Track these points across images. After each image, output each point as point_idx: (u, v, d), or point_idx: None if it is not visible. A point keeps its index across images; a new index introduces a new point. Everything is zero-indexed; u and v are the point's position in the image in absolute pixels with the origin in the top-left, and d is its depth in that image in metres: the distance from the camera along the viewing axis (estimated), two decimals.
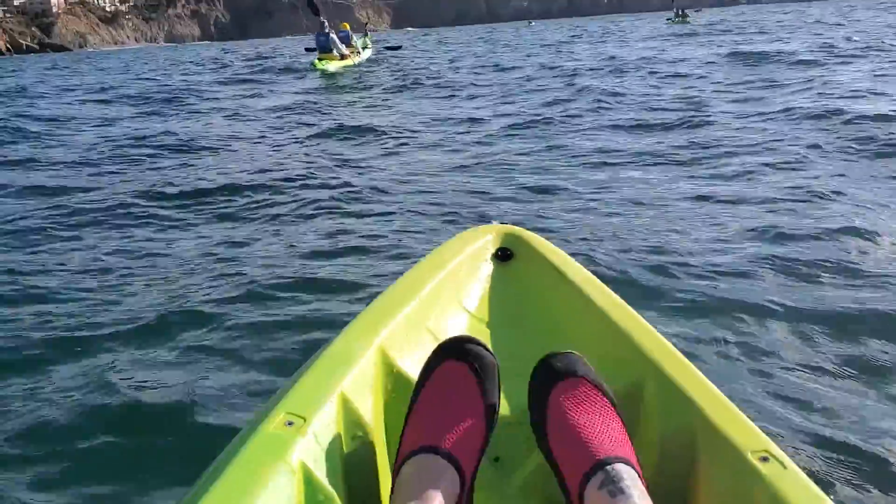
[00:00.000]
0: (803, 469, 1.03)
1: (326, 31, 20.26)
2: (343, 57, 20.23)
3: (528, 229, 2.02)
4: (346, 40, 21.27)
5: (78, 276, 3.84)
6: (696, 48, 19.59)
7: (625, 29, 46.30)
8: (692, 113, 8.20)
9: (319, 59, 19.47)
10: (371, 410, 1.25)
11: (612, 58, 17.77)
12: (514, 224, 2.08)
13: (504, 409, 1.36)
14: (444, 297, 1.68)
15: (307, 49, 22.45)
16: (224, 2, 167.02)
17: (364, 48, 23.05)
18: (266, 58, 31.87)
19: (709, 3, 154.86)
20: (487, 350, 1.18)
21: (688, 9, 51.18)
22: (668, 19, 50.80)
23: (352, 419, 1.18)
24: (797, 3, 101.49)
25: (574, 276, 1.73)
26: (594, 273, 1.75)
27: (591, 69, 15.02)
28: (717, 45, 19.84)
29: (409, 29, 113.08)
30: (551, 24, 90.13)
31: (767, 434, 1.10)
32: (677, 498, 1.15)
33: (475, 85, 13.61)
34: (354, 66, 20.34)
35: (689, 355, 2.78)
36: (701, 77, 12.16)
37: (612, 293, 1.66)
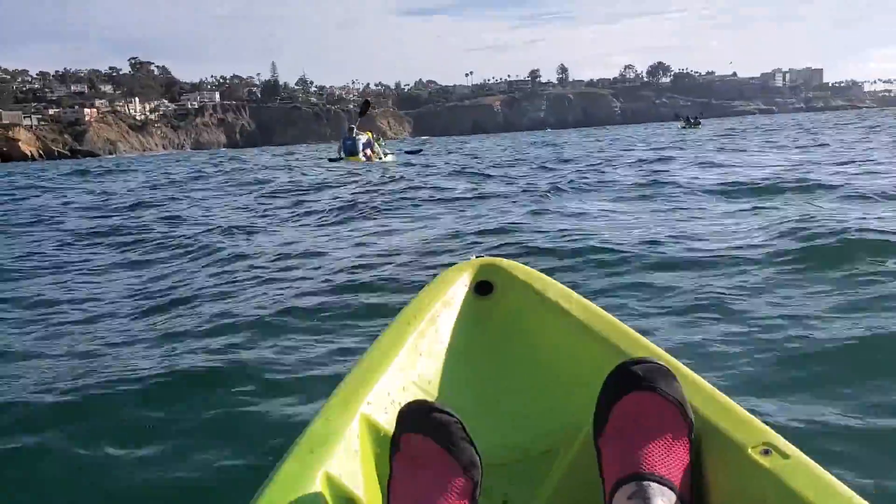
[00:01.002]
0: (810, 454, 1.03)
1: (354, 136, 21.67)
2: (368, 159, 21.45)
3: (507, 258, 2.01)
4: (370, 146, 22.42)
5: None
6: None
7: (644, 134, 47.24)
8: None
9: (347, 159, 20.87)
10: (362, 485, 1.22)
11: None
12: (493, 256, 2.07)
13: (503, 449, 1.40)
14: (427, 345, 1.66)
15: (331, 160, 23.33)
16: (250, 111, 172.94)
17: (386, 154, 24.20)
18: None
19: (711, 112, 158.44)
20: (445, 412, 1.16)
21: (695, 118, 56.77)
22: (681, 126, 55.96)
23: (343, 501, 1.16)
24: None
25: (557, 297, 1.72)
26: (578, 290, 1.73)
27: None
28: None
29: (425, 138, 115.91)
30: (574, 133, 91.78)
31: (770, 425, 1.11)
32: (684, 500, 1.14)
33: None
34: (377, 163, 21.70)
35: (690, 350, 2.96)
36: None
37: (597, 308, 1.65)
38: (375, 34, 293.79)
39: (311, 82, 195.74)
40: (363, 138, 22.71)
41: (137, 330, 4.10)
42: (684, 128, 53.75)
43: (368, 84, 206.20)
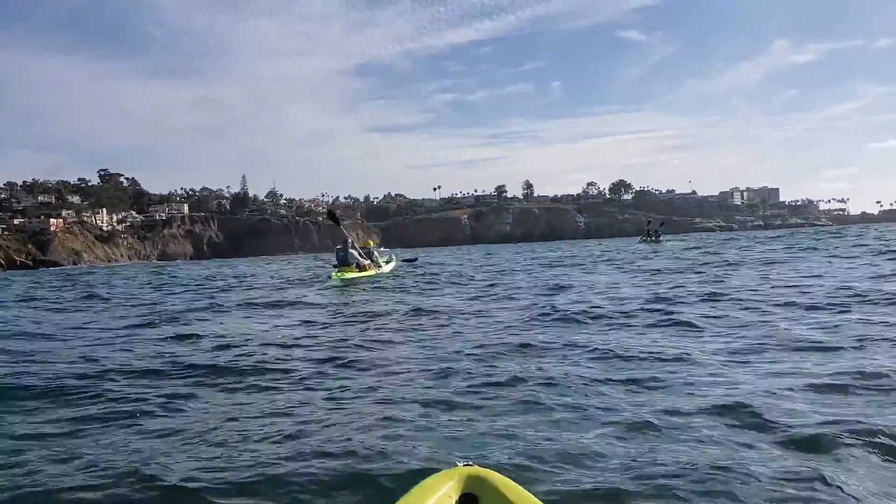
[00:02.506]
0: None
1: (348, 247, 21.41)
2: (361, 269, 21.04)
3: (494, 468, 1.97)
4: (369, 255, 22.09)
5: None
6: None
7: (612, 248, 48.18)
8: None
9: (338, 272, 20.19)
10: None
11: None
12: (480, 464, 2.01)
13: None
14: None
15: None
16: (218, 222, 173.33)
17: (387, 262, 24.02)
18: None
19: (673, 229, 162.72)
20: None
21: (657, 231, 55.65)
22: (641, 239, 56.34)
23: None
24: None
25: None
26: None
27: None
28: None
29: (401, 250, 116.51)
30: (541, 245, 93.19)
31: None
32: None
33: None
34: (373, 276, 21.10)
35: None
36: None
37: None
38: (346, 149, 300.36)
39: (281, 195, 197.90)
40: (364, 249, 22.51)
41: None
42: (643, 240, 53.68)
43: (338, 197, 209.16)
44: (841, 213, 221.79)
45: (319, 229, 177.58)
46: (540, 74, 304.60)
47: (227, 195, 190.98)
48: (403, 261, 27.70)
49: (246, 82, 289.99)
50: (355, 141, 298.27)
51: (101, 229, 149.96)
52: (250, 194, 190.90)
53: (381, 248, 26.43)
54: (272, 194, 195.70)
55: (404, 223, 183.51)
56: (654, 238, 52.74)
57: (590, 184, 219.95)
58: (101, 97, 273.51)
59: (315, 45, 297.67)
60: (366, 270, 21.17)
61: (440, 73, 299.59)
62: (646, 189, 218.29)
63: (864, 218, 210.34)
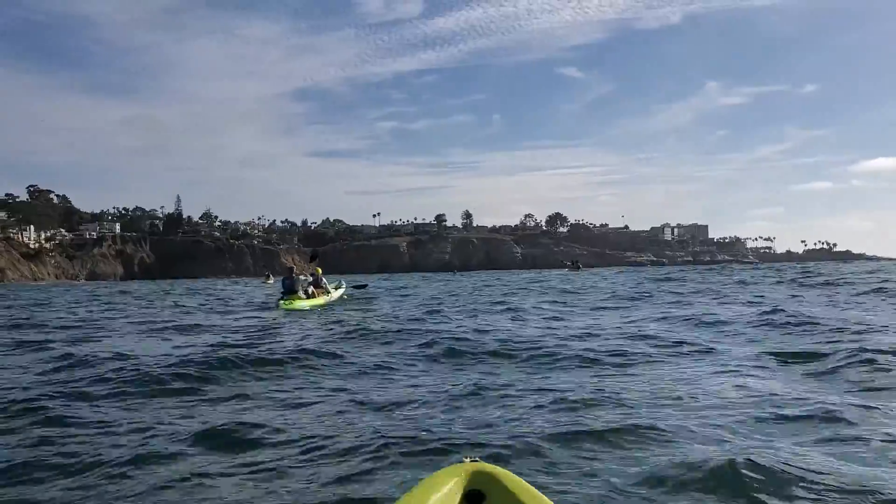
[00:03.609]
0: None
1: (294, 274, 21.30)
2: (309, 296, 20.89)
3: (500, 465, 1.96)
4: (317, 282, 22.07)
5: None
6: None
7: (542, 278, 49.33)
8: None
9: (284, 300, 19.96)
10: None
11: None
12: (485, 459, 2.03)
13: None
14: None
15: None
16: (150, 243, 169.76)
17: (336, 288, 23.83)
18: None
19: (606, 262, 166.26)
20: None
21: (580, 263, 73.30)
22: (568, 269, 68.88)
23: None
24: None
25: None
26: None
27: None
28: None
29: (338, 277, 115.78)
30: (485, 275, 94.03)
31: None
32: None
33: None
34: (321, 305, 20.79)
35: None
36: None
37: None
38: (284, 173, 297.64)
39: (216, 217, 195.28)
40: (312, 275, 22.22)
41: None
42: (569, 270, 65.67)
43: (275, 221, 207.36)
44: (767, 251, 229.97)
45: (254, 253, 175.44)
46: (481, 106, 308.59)
47: (161, 215, 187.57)
48: (353, 286, 27.38)
49: (184, 102, 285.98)
50: (294, 165, 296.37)
51: (27, 247, 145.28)
52: (184, 215, 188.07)
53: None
54: (207, 216, 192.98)
55: (342, 249, 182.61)
56: (575, 268, 66.82)
57: (527, 216, 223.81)
58: (34, 112, 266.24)
59: (256, 68, 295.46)
60: (314, 298, 21.04)
61: (383, 101, 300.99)
62: (581, 222, 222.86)
63: (790, 256, 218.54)
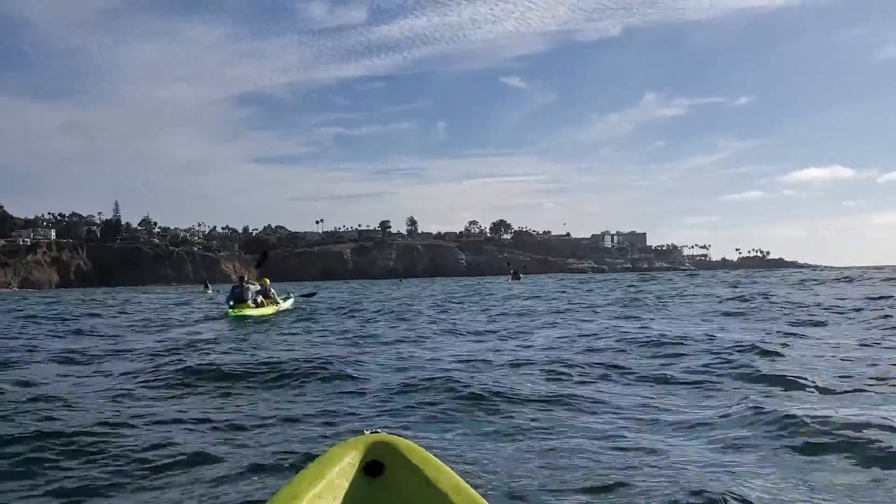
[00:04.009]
0: None
1: (244, 283, 21.13)
2: (258, 305, 20.82)
3: (401, 435, 1.96)
4: (266, 293, 22.03)
5: None
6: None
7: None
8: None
9: (233, 309, 19.94)
10: None
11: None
12: (388, 431, 2.03)
13: None
14: None
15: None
16: (87, 250, 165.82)
17: (285, 299, 23.76)
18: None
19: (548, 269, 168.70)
20: None
21: (520, 272, 72.95)
22: (510, 278, 68.27)
23: None
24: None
25: (447, 488, 1.66)
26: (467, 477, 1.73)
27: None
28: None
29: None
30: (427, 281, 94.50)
31: None
32: None
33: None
34: (270, 314, 20.69)
35: None
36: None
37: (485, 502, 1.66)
38: (226, 179, 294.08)
39: (155, 223, 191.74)
40: (254, 286, 21.91)
41: None
42: (513, 279, 65.98)
43: (215, 227, 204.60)
44: (703, 258, 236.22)
45: (194, 260, 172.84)
46: (426, 114, 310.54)
47: (99, 222, 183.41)
48: (302, 296, 27.18)
49: (123, 106, 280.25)
50: (236, 171, 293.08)
51: None
52: (123, 222, 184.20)
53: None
54: (146, 222, 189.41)
55: (285, 256, 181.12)
56: (516, 276, 66.55)
57: (471, 223, 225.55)
58: None
59: (197, 73, 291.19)
60: (263, 307, 20.93)
61: (326, 107, 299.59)
62: (524, 230, 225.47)
63: (725, 264, 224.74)
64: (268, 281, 22.74)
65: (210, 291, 59.60)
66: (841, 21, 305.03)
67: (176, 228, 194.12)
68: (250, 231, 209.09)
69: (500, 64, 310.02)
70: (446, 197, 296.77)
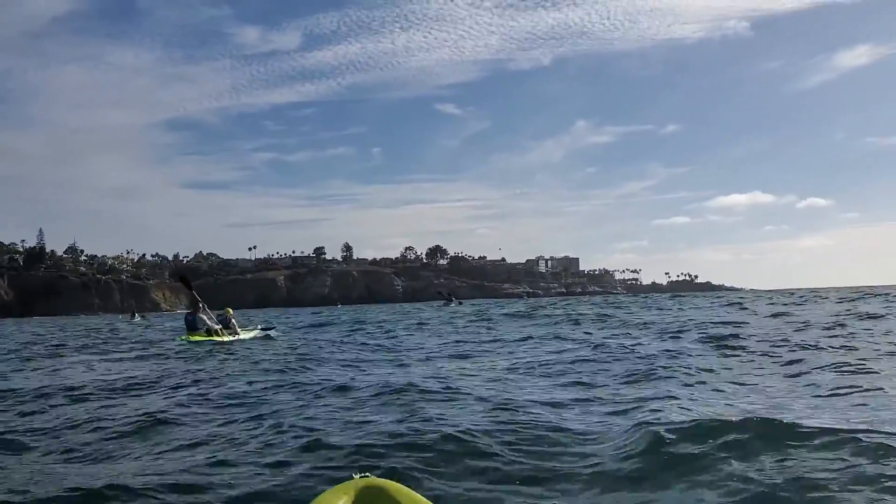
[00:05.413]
0: None
1: (197, 311, 20.71)
2: (210, 333, 20.34)
3: (393, 479, 2.01)
4: (226, 322, 21.52)
5: None
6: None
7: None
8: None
9: (188, 335, 19.74)
10: None
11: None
12: (379, 475, 2.07)
13: None
14: None
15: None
16: (9, 279, 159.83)
17: (250, 331, 23.25)
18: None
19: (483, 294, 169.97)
20: None
21: (452, 296, 75.88)
22: (443, 303, 70.35)
23: None
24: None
25: None
26: None
27: None
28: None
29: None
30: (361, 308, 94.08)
31: None
32: None
33: None
34: (227, 342, 20.04)
35: None
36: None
37: None
38: (156, 205, 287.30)
39: (82, 251, 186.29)
40: (220, 315, 21.63)
41: None
42: (444, 304, 68.00)
43: (144, 255, 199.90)
44: (634, 282, 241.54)
45: (122, 288, 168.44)
46: (362, 139, 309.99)
47: (21, 249, 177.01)
48: (262, 329, 26.21)
49: (47, 131, 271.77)
50: (167, 197, 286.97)
51: None
52: (47, 249, 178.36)
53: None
54: (72, 250, 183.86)
55: (217, 284, 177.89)
56: (449, 302, 68.54)
57: (408, 248, 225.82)
58: None
59: (126, 97, 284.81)
60: (218, 336, 20.47)
61: (259, 132, 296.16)
62: (460, 255, 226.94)
63: (655, 287, 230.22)
64: (230, 311, 22.23)
65: (137, 319, 58.47)
66: (757, 55, 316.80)
67: (104, 256, 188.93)
68: (181, 258, 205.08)
69: (435, 91, 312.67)
70: (382, 223, 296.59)
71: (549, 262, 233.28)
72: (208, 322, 20.80)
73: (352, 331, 25.80)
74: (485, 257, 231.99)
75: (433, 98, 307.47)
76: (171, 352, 17.22)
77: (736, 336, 14.73)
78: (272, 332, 24.06)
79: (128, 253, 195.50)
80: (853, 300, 37.24)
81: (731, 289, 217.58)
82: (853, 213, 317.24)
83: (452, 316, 37.14)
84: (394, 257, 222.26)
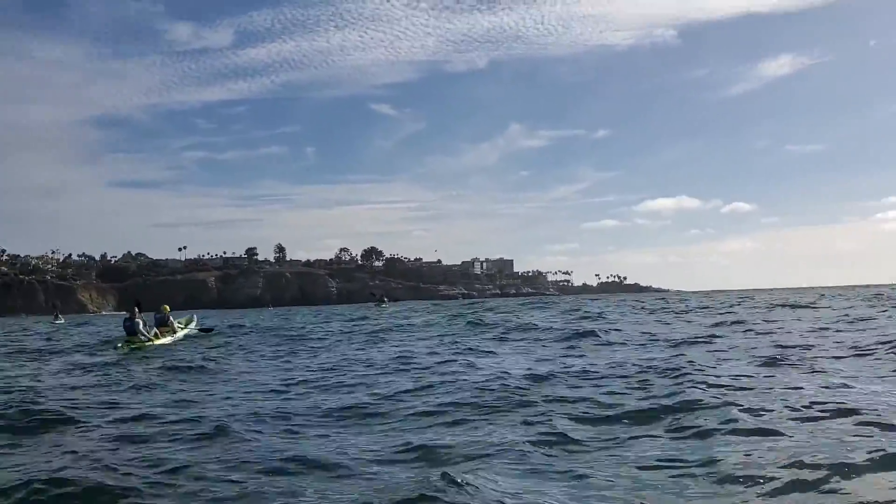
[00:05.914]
0: None
1: (135, 315, 20.48)
2: (148, 338, 20.37)
3: None
4: (164, 321, 21.48)
5: None
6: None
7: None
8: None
9: (126, 342, 19.58)
10: None
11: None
12: None
13: None
14: None
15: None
16: None
17: (185, 327, 23.17)
18: None
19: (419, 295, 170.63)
20: None
21: (385, 298, 77.02)
22: (376, 304, 71.07)
23: None
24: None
25: None
26: None
27: None
28: None
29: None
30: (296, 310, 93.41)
31: None
32: None
33: None
34: (166, 344, 20.43)
35: None
36: None
37: None
38: (82, 203, 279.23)
39: (3, 250, 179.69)
40: (158, 315, 21.70)
41: None
42: (377, 305, 69.07)
43: (70, 255, 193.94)
44: (566, 283, 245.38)
45: (47, 289, 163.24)
46: (295, 139, 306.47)
47: None
48: (200, 329, 26.06)
49: None
50: (94, 195, 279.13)
51: None
52: None
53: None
54: None
55: (145, 284, 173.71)
56: (381, 303, 69.52)
57: (342, 249, 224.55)
58: None
59: (51, 93, 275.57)
60: (158, 338, 20.60)
61: (189, 130, 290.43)
62: (396, 256, 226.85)
63: (586, 289, 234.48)
64: (167, 308, 22.42)
65: (61, 320, 57.21)
66: (684, 63, 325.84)
67: (27, 256, 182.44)
68: (109, 258, 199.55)
69: (370, 91, 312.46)
70: (316, 224, 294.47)
71: (485, 264, 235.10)
72: (143, 327, 20.60)
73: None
74: (420, 259, 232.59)
75: (368, 98, 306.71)
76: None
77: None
78: (211, 332, 24.38)
79: (53, 253, 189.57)
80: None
81: (659, 290, 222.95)
82: (774, 217, 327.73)
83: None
84: (328, 259, 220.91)
